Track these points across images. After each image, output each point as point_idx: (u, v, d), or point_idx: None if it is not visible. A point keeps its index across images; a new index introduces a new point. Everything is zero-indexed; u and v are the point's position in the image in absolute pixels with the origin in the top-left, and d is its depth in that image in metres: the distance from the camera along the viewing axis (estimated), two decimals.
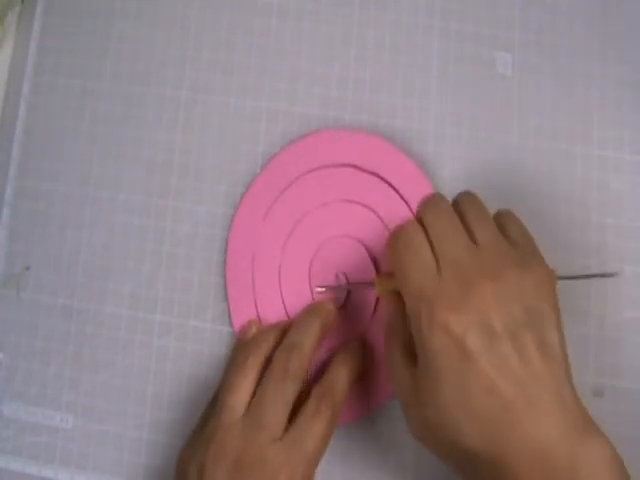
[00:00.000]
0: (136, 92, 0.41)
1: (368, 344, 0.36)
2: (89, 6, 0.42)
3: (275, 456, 0.30)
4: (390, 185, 0.37)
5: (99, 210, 0.40)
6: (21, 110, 0.41)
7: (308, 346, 0.33)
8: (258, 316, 0.37)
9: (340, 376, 0.34)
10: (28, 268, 0.40)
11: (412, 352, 0.29)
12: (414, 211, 0.36)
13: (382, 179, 0.38)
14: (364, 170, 0.38)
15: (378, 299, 0.37)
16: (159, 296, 0.39)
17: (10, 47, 0.43)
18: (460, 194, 0.32)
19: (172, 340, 0.38)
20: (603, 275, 0.36)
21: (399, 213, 0.37)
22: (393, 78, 0.40)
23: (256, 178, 0.39)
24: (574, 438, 0.26)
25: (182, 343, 0.38)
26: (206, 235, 0.39)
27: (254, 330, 0.37)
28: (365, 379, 0.36)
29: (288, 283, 0.37)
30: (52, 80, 0.42)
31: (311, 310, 0.36)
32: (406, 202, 0.37)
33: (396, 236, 0.30)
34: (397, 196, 0.37)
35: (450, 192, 0.38)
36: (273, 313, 0.37)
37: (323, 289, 0.37)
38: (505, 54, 0.40)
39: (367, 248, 0.37)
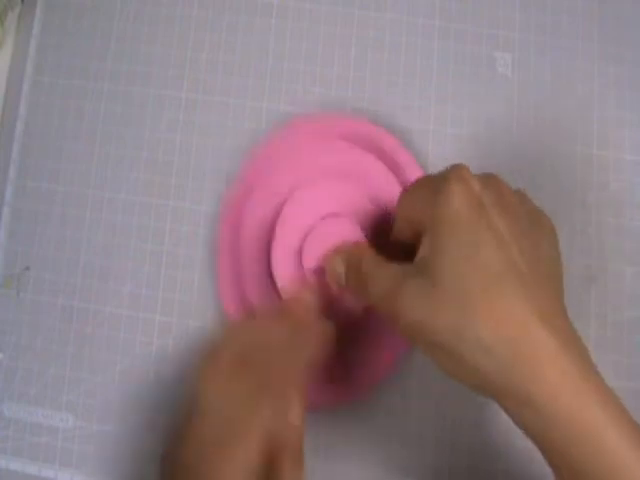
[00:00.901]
0: (136, 92, 0.41)
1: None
2: (89, 6, 0.42)
3: None
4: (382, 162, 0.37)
5: (99, 210, 0.40)
6: (21, 110, 0.41)
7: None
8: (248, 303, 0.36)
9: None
10: (28, 268, 0.40)
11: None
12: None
13: (376, 157, 0.37)
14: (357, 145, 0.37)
15: None
16: (159, 296, 0.39)
17: (10, 47, 0.43)
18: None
19: (172, 340, 0.38)
20: None
21: (390, 190, 0.36)
22: (393, 78, 0.40)
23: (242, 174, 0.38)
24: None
25: (182, 343, 0.38)
26: (206, 235, 0.39)
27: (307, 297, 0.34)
28: (350, 363, 0.35)
29: (280, 270, 0.35)
30: (52, 80, 0.42)
31: (300, 338, 0.32)
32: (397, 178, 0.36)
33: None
34: (388, 172, 0.36)
35: None
36: (262, 300, 0.36)
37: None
38: (505, 54, 0.40)
39: (362, 227, 0.35)
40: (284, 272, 0.35)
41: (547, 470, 0.26)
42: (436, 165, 0.39)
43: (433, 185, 0.28)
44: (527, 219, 0.28)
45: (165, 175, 0.40)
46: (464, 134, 0.39)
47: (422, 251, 0.27)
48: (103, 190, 0.40)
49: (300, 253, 0.35)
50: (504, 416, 0.26)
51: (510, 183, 0.38)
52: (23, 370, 0.39)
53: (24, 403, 0.39)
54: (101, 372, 0.38)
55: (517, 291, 0.25)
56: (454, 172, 0.27)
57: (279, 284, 0.35)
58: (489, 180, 0.28)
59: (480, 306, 0.25)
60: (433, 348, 0.26)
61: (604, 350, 0.36)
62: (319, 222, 0.35)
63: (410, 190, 0.30)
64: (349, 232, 0.34)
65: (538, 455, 0.26)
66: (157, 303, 0.39)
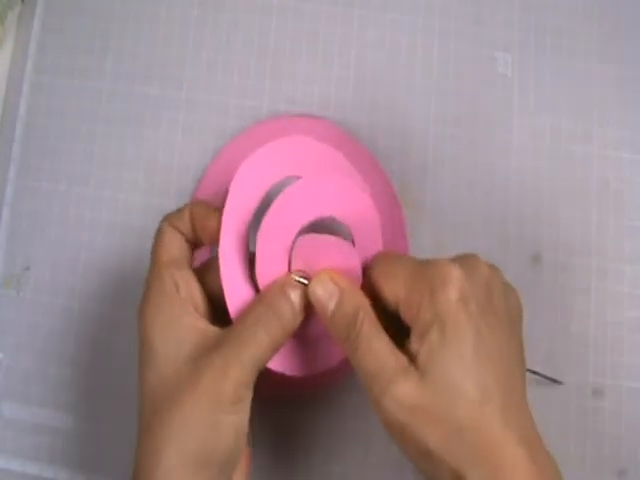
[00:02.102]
0: (136, 92, 0.41)
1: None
2: (89, 6, 0.42)
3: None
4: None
5: (99, 210, 0.40)
6: (21, 110, 0.41)
7: (254, 349, 0.29)
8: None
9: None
10: (28, 268, 0.40)
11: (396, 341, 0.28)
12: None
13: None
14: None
15: None
16: None
17: (10, 47, 0.43)
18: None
19: None
20: (549, 379, 0.36)
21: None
22: (393, 78, 0.40)
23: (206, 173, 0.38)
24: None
25: None
26: None
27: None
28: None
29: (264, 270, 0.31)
30: (52, 80, 0.42)
31: (271, 303, 0.30)
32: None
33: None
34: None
35: (450, 192, 0.39)
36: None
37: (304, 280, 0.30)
38: (505, 54, 0.40)
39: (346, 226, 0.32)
40: (268, 272, 0.31)
41: None
42: (436, 165, 0.39)
43: (430, 281, 0.27)
44: (506, 312, 0.28)
45: (165, 175, 0.40)
46: (464, 134, 0.39)
47: (421, 348, 0.26)
48: (103, 190, 0.40)
49: (287, 254, 0.31)
50: None
51: (510, 183, 0.38)
52: (23, 370, 0.39)
53: (24, 403, 0.39)
54: (101, 372, 0.38)
55: (499, 418, 0.25)
56: (449, 275, 0.27)
57: (261, 284, 0.31)
58: (475, 272, 0.28)
59: (467, 428, 0.25)
60: (407, 444, 0.26)
61: (604, 350, 0.36)
62: (311, 229, 0.32)
63: (399, 269, 0.29)
64: (343, 251, 0.31)
65: None
66: None
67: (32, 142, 0.41)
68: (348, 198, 0.32)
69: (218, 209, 0.31)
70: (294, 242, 0.31)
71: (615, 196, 0.38)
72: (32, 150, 0.41)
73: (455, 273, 0.27)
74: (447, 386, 0.26)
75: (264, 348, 0.29)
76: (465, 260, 0.28)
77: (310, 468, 0.36)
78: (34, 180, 0.41)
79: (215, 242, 0.31)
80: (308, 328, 0.32)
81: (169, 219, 0.32)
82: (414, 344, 0.27)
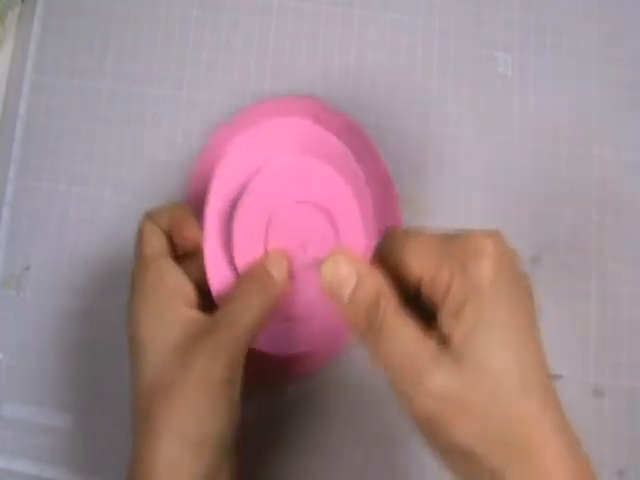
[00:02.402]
0: (136, 92, 0.41)
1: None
2: (89, 6, 0.42)
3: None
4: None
5: (99, 210, 0.40)
6: (21, 110, 0.41)
7: (243, 327, 0.29)
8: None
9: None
10: (28, 268, 0.40)
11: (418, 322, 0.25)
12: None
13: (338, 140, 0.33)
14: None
15: None
16: None
17: (10, 47, 0.43)
18: None
19: None
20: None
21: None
22: (393, 78, 0.40)
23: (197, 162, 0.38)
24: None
25: None
26: None
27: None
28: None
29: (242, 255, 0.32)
30: (52, 80, 0.42)
31: (253, 278, 0.30)
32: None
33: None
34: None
35: (450, 192, 0.39)
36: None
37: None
38: (505, 54, 0.40)
39: (326, 211, 0.32)
40: (245, 252, 0.32)
41: None
42: (436, 165, 0.39)
43: (461, 255, 0.25)
44: (531, 295, 0.26)
45: (165, 175, 0.40)
46: (464, 134, 0.39)
47: (454, 331, 0.24)
48: (103, 190, 0.40)
49: (265, 234, 0.31)
50: None
51: (510, 183, 0.38)
52: (23, 370, 0.39)
53: (24, 403, 0.39)
54: (101, 372, 0.38)
55: (539, 412, 0.24)
56: (483, 248, 0.25)
57: (239, 264, 0.32)
58: (504, 247, 0.25)
59: (507, 421, 0.23)
60: (439, 440, 0.24)
61: (604, 350, 0.36)
62: (280, 210, 0.32)
63: (421, 245, 0.26)
64: (315, 218, 0.31)
65: None
66: None
67: (32, 142, 0.41)
68: (329, 185, 0.32)
69: (196, 218, 0.32)
70: (271, 222, 0.31)
71: (615, 196, 0.38)
72: (32, 150, 0.41)
73: (489, 246, 0.24)
74: (487, 373, 0.23)
75: (250, 326, 0.29)
76: (491, 234, 0.25)
77: (294, 462, 0.36)
78: (34, 180, 0.41)
79: (190, 249, 0.32)
80: (291, 308, 0.32)
81: (149, 214, 0.33)
82: (445, 327, 0.24)
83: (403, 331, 0.25)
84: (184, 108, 0.40)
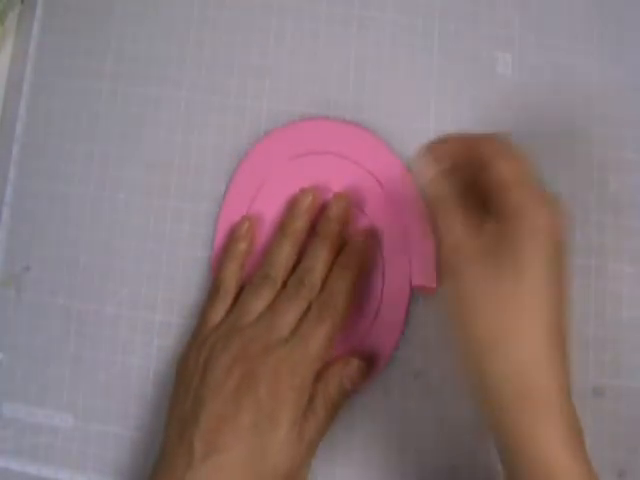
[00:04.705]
0: (136, 92, 0.41)
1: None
2: (89, 6, 0.42)
3: (279, 350, 0.32)
4: (375, 178, 0.38)
5: (99, 210, 0.40)
6: (21, 110, 0.41)
7: (320, 270, 0.35)
8: None
9: (340, 283, 0.34)
10: (28, 268, 0.40)
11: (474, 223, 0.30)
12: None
13: (366, 171, 0.38)
14: (347, 159, 0.38)
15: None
16: (159, 296, 0.39)
17: (10, 47, 0.43)
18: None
19: (172, 340, 0.38)
20: None
21: (382, 206, 0.37)
22: (393, 78, 0.40)
23: (237, 171, 0.39)
24: None
25: (182, 343, 0.38)
26: (207, 235, 0.39)
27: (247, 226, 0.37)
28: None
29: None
30: (52, 80, 0.42)
31: (320, 235, 0.36)
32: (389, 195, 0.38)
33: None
34: (380, 189, 0.38)
35: None
36: None
37: None
38: (505, 54, 0.40)
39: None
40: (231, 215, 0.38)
41: None
42: None
43: (543, 197, 0.30)
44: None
45: (165, 175, 0.40)
46: None
47: (508, 230, 0.29)
48: (103, 190, 0.40)
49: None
50: None
51: None
52: (23, 370, 0.39)
53: (24, 403, 0.39)
54: (101, 372, 0.38)
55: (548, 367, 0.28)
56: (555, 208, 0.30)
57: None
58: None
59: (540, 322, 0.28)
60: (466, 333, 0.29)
61: (604, 350, 0.36)
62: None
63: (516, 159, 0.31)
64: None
65: None
66: (157, 303, 0.39)
67: (32, 142, 0.41)
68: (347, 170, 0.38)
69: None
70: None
71: (615, 196, 0.38)
72: (32, 150, 0.41)
73: (558, 220, 0.29)
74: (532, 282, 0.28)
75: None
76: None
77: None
78: (34, 180, 0.41)
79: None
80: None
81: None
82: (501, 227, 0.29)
83: (457, 218, 0.31)
84: (184, 108, 0.40)
